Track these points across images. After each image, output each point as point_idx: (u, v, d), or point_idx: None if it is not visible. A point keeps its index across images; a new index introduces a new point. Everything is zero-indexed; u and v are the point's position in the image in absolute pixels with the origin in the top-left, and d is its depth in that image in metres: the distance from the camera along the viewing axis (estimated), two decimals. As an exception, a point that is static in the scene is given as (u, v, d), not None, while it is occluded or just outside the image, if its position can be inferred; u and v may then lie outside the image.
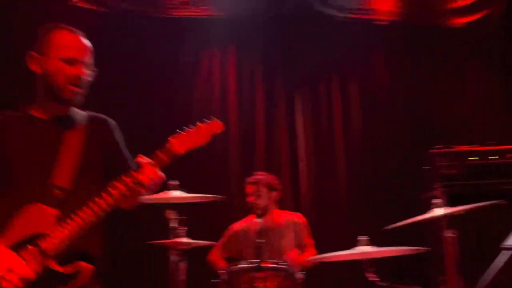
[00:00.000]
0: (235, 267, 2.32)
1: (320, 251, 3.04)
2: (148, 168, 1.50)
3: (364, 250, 2.39)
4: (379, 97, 4.41)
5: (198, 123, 1.62)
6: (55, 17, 3.18)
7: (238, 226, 3.30)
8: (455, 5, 4.48)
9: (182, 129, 1.62)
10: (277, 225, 3.25)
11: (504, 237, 2.63)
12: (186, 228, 2.61)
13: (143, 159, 1.54)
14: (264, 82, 4.33)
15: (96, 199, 1.49)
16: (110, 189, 1.50)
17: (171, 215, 2.53)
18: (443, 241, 2.91)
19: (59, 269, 1.47)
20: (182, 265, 2.59)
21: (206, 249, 3.12)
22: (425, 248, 2.55)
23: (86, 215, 1.48)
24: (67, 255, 1.49)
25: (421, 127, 4.39)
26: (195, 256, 3.04)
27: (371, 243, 2.48)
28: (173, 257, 2.53)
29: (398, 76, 4.44)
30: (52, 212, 1.50)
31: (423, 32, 4.49)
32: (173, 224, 2.51)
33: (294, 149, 4.27)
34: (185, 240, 2.58)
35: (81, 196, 1.53)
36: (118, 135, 1.76)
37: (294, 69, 4.39)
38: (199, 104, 4.19)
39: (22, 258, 1.46)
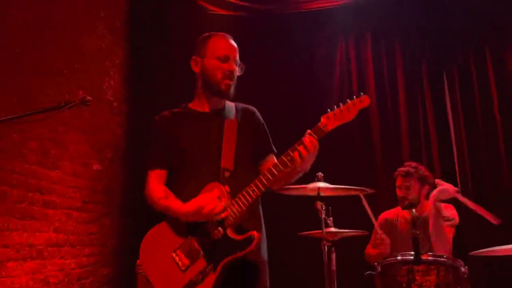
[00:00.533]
0: (392, 259, 2.22)
1: (487, 245, 2.73)
2: (306, 139, 1.69)
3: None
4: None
5: (347, 100, 1.73)
6: (201, 26, 3.56)
7: (388, 215, 3.17)
8: None
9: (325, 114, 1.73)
10: (427, 217, 3.03)
11: None
12: (332, 218, 2.60)
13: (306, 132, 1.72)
14: (404, 66, 4.07)
15: (260, 177, 1.72)
16: (279, 160, 1.71)
17: (321, 206, 2.54)
18: None
19: (236, 237, 1.70)
20: (333, 256, 2.59)
21: (353, 240, 3.06)
22: None
23: (252, 191, 1.72)
24: (239, 227, 1.72)
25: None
26: (343, 247, 3.03)
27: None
28: (325, 247, 2.53)
29: None
30: (226, 188, 1.75)
31: None
32: (322, 215, 2.52)
33: (445, 136, 3.92)
34: (334, 230, 2.57)
35: (242, 176, 1.79)
36: (263, 123, 2.00)
37: (436, 46, 4.05)
38: (338, 93, 4.13)
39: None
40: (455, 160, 3.87)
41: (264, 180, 1.70)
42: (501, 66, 3.87)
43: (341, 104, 1.73)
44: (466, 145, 3.83)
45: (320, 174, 2.62)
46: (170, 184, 1.87)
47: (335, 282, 2.59)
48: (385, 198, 3.64)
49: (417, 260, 2.10)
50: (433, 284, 2.05)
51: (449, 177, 3.80)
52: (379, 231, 2.96)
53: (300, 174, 1.85)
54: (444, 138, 3.92)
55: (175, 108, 1.99)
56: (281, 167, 1.70)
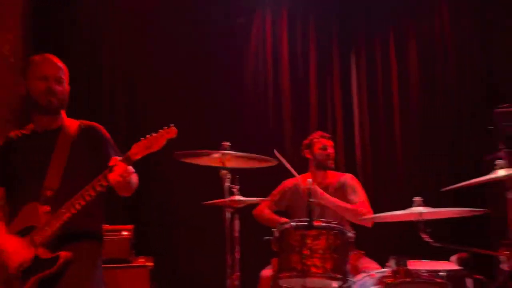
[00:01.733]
0: (287, 225, 2.37)
1: (375, 211, 3.02)
2: (117, 167, 1.86)
3: (418, 210, 2.34)
4: (438, 54, 4.17)
5: (158, 131, 1.89)
6: None
7: (290, 183, 3.34)
8: None
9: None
10: (329, 185, 3.25)
11: None
12: (238, 186, 2.68)
13: (114, 160, 1.90)
14: (317, 44, 4.22)
15: (81, 193, 1.88)
16: (90, 186, 1.88)
17: (225, 174, 2.60)
18: (506, 203, 2.80)
19: (44, 256, 1.87)
20: (236, 223, 2.68)
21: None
22: (484, 210, 2.45)
23: (70, 208, 1.88)
24: (63, 239, 1.90)
25: (486, 84, 4.15)
26: (248, 214, 3.16)
27: (427, 204, 2.43)
28: (228, 215, 2.62)
29: (461, 31, 4.16)
30: (44, 208, 1.91)
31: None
32: (227, 183, 2.58)
33: (349, 109, 4.19)
34: (238, 198, 2.66)
35: (69, 194, 1.90)
36: (106, 139, 2.14)
37: (349, 26, 4.26)
38: (252, 63, 4.19)
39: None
40: (356, 134, 4.15)
41: (76, 204, 1.87)
42: (402, 50, 4.19)
43: (152, 133, 1.88)
44: (368, 121, 4.14)
45: (226, 143, 2.66)
46: (10, 202, 2.05)
47: (238, 247, 2.69)
48: (292, 165, 3.82)
49: (309, 226, 2.25)
50: (322, 247, 2.23)
51: (350, 151, 4.11)
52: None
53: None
54: (348, 113, 4.18)
55: (22, 128, 2.15)
56: (91, 193, 1.87)
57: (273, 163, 2.71)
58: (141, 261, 3.16)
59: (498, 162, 2.51)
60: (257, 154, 2.74)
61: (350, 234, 2.37)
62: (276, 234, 2.41)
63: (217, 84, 4.11)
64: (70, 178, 1.98)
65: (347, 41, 4.25)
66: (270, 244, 2.46)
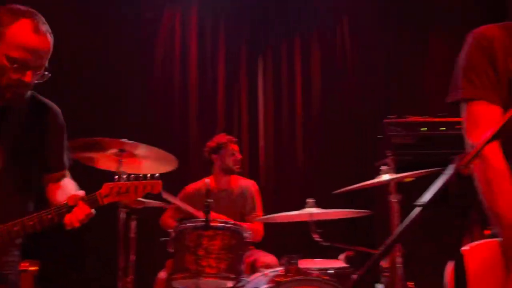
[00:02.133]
0: (183, 225, 2.36)
1: (276, 212, 3.11)
2: (78, 209, 1.51)
3: (310, 211, 2.46)
4: (340, 64, 4.44)
5: (140, 179, 1.56)
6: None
7: (191, 188, 3.32)
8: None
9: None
10: (232, 190, 3.30)
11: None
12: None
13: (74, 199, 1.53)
14: (227, 43, 4.27)
15: (23, 220, 1.51)
16: (35, 216, 1.52)
17: (123, 173, 2.51)
18: (389, 206, 3.05)
19: None
20: (132, 224, 2.60)
21: (158, 210, 3.13)
22: (368, 211, 2.65)
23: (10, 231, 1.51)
24: None
25: (382, 96, 4.48)
26: (147, 216, 3.07)
27: (318, 205, 2.57)
28: (123, 215, 2.53)
29: (360, 45, 4.46)
30: None
31: (388, 2, 4.51)
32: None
33: (255, 113, 4.28)
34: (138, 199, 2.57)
35: (13, 174, 1.56)
36: (60, 124, 1.70)
37: (259, 31, 4.35)
38: (160, 61, 4.14)
39: None
40: (260, 137, 4.25)
41: (14, 233, 1.52)
42: (307, 59, 4.39)
43: (133, 179, 1.55)
44: (272, 125, 4.27)
45: (124, 140, 2.57)
46: None
47: (133, 249, 2.61)
48: (196, 168, 3.82)
49: (206, 226, 2.26)
50: (218, 247, 2.25)
51: (254, 154, 4.21)
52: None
53: None
54: (254, 117, 4.28)
55: None
56: (36, 226, 1.53)
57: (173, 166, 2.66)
58: (24, 265, 2.91)
59: (383, 168, 2.74)
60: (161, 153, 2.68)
61: (247, 233, 2.42)
62: (173, 235, 2.38)
63: (123, 80, 3.97)
64: (17, 158, 1.58)
65: (256, 45, 4.35)
66: (166, 245, 2.42)
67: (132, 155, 2.52)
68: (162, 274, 2.85)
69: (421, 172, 2.67)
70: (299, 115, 4.31)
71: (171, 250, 2.39)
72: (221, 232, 2.29)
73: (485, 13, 4.25)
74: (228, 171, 3.29)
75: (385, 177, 2.67)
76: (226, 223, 2.39)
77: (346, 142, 4.34)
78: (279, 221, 2.87)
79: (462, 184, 0.97)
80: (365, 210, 2.65)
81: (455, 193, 0.94)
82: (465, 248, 1.23)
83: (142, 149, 2.52)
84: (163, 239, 2.44)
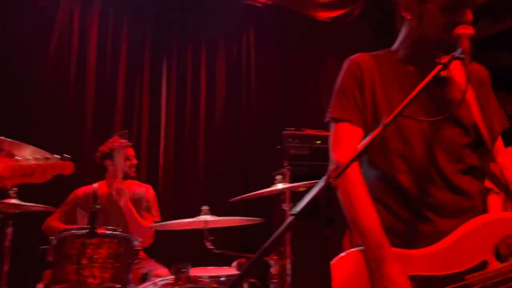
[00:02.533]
0: (66, 232, 2.20)
1: (173, 218, 3.03)
2: None
3: (204, 219, 2.45)
4: (244, 74, 4.52)
5: (49, 160, 1.41)
6: None
7: (81, 191, 3.12)
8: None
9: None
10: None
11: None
12: (17, 189, 2.38)
13: None
14: (130, 42, 4.11)
15: None
16: None
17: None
18: (283, 214, 3.15)
19: None
20: (8, 230, 2.37)
21: (40, 215, 2.89)
22: (261, 219, 2.72)
23: None
24: None
25: (282, 108, 4.64)
26: (26, 221, 2.83)
27: (216, 212, 2.57)
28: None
29: (264, 57, 4.59)
30: None
31: (292, 20, 4.70)
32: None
33: (156, 116, 4.17)
34: (14, 201, 2.35)
35: None
36: None
37: (164, 32, 4.26)
38: (56, 56, 3.83)
39: None
40: (161, 142, 4.15)
41: None
42: (212, 65, 4.39)
43: (40, 159, 1.40)
44: (174, 130, 4.18)
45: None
46: None
47: (8, 259, 2.38)
48: (90, 170, 3.59)
49: (91, 234, 2.13)
50: (103, 257, 2.13)
51: (153, 158, 4.09)
52: None
53: None
54: (155, 120, 4.17)
55: None
56: None
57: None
58: None
59: (277, 177, 2.83)
60: (51, 155, 2.47)
61: (136, 242, 2.33)
62: (54, 242, 2.21)
63: (13, 74, 3.62)
64: None
65: (161, 46, 4.25)
66: (45, 254, 2.24)
67: (10, 155, 2.29)
68: (40, 286, 2.62)
69: (314, 182, 2.80)
70: (202, 121, 4.29)
71: (51, 259, 2.21)
72: (108, 240, 2.18)
73: (375, 36, 4.65)
74: (123, 176, 3.15)
75: (280, 186, 2.76)
76: (114, 230, 2.27)
77: (246, 151, 4.41)
78: (173, 228, 2.81)
79: (330, 195, 1.03)
80: (258, 218, 2.71)
81: (324, 204, 0.99)
82: (333, 261, 1.31)
83: (24, 150, 2.30)
84: (43, 247, 2.25)
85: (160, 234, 3.22)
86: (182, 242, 3.70)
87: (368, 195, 1.34)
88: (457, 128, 1.39)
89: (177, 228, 2.83)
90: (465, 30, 1.25)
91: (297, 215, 1.01)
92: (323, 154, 3.62)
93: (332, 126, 1.44)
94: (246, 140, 4.42)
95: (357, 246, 1.36)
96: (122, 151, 3.13)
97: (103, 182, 3.13)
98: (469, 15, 1.31)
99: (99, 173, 3.23)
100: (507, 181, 1.42)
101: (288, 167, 3.67)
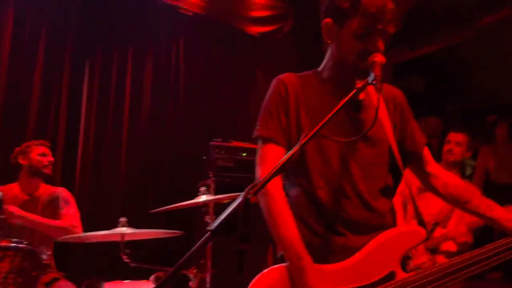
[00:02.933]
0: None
1: (89, 230, 2.87)
2: None
3: (121, 231, 2.35)
4: (171, 84, 4.44)
5: None
6: None
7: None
8: (254, 14, 4.84)
9: None
10: (39, 197, 2.96)
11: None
12: None
13: None
14: (49, 44, 3.87)
15: None
16: None
17: None
18: (205, 226, 3.12)
19: None
20: None
21: None
22: (180, 232, 2.66)
23: None
24: None
25: (210, 119, 4.61)
26: None
27: (132, 224, 2.47)
28: None
29: (193, 67, 4.55)
30: None
31: (223, 32, 4.72)
32: None
33: (75, 121, 3.95)
34: None
35: None
36: None
37: (87, 36, 4.07)
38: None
39: None
40: (80, 147, 3.94)
41: None
42: (139, 71, 4.27)
43: None
44: (94, 135, 3.99)
45: None
46: None
47: None
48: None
49: (-10, 246, 1.95)
50: (5, 271, 1.96)
51: (70, 164, 3.86)
52: None
53: None
54: (73, 125, 3.95)
55: None
56: None
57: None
58: None
59: (201, 188, 2.80)
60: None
61: (44, 255, 2.17)
62: None
63: None
64: None
65: (84, 49, 4.05)
66: None
67: None
68: None
69: (238, 195, 2.79)
70: (126, 128, 4.14)
71: None
72: (12, 254, 2.00)
73: (303, 54, 4.81)
74: (37, 174, 2.94)
75: (204, 198, 2.72)
76: (19, 242, 2.09)
77: (171, 161, 4.32)
78: (87, 241, 2.66)
79: (248, 211, 1.03)
80: (178, 231, 2.65)
81: (241, 220, 0.99)
82: (254, 280, 1.32)
83: None
84: None
85: (74, 246, 3.04)
86: (97, 255, 3.52)
87: (289, 209, 1.38)
88: (372, 149, 1.47)
89: (92, 241, 2.68)
90: (378, 59, 1.33)
91: (214, 231, 1.00)
92: (248, 166, 3.67)
93: (259, 144, 1.47)
94: (172, 150, 4.33)
95: (279, 260, 1.39)
96: (37, 147, 2.95)
97: (8, 187, 2.89)
98: (381, 44, 1.39)
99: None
100: (447, 189, 1.54)
101: (213, 178, 3.65)
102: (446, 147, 3.20)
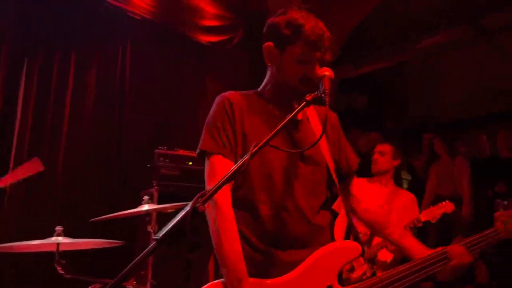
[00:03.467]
0: None
1: (19, 239, 2.68)
2: None
3: (57, 240, 2.22)
4: (117, 88, 4.31)
5: None
6: None
7: None
8: (204, 23, 4.83)
9: None
10: None
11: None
12: None
13: None
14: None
15: None
16: None
17: None
18: (148, 236, 3.03)
19: None
20: None
21: None
22: (121, 242, 2.56)
23: None
24: None
25: (157, 126, 4.51)
26: None
27: (70, 234, 2.35)
28: None
29: (141, 72, 4.45)
30: None
31: (173, 38, 4.66)
32: None
33: (10, 125, 3.70)
34: None
35: None
36: None
37: (27, 35, 3.85)
38: None
39: None
40: (12, 152, 3.70)
41: None
42: (81, 76, 4.10)
43: None
44: (28, 139, 3.75)
45: None
46: None
47: None
48: None
49: None
50: None
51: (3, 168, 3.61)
52: None
53: None
54: (7, 130, 3.69)
55: None
56: None
57: None
58: None
59: (144, 197, 2.72)
60: None
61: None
62: None
63: None
64: None
65: (21, 50, 3.81)
66: None
67: None
68: None
69: (182, 204, 2.74)
70: (65, 133, 3.94)
71: None
72: None
73: (253, 66, 4.86)
74: None
75: (146, 207, 2.65)
76: None
77: (114, 168, 4.17)
78: (20, 251, 2.49)
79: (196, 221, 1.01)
80: (118, 241, 2.54)
81: (188, 229, 0.97)
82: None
83: None
84: None
85: (5, 256, 2.83)
86: (30, 265, 3.30)
87: (235, 229, 1.39)
88: (311, 166, 1.52)
89: (24, 251, 2.51)
90: (327, 73, 1.38)
91: (160, 241, 0.97)
92: (194, 176, 3.65)
93: (206, 159, 1.47)
94: (116, 157, 4.18)
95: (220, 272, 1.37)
96: None
97: None
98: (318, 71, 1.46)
99: None
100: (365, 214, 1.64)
101: (156, 187, 3.56)
102: (372, 158, 3.37)
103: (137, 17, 4.33)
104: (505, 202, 1.64)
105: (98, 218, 2.60)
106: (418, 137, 5.68)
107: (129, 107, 4.31)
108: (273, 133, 1.22)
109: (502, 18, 4.82)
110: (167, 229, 0.97)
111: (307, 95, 1.34)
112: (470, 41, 5.27)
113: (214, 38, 4.88)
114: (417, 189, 5.53)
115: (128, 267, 0.98)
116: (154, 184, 3.57)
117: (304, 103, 1.32)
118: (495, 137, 4.89)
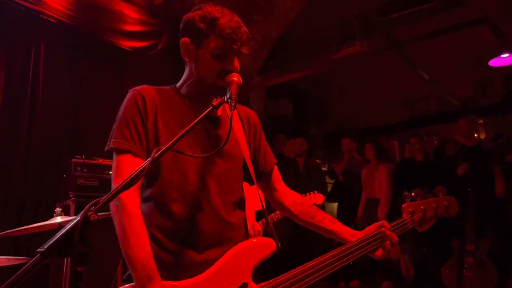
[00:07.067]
0: None
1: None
2: None
3: None
4: (27, 93, 4.03)
5: None
6: None
7: None
8: (126, 28, 4.69)
9: None
10: None
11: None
12: None
13: None
14: None
15: None
16: None
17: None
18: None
19: None
20: None
21: None
22: (28, 258, 2.38)
23: None
24: None
25: (72, 133, 4.28)
26: None
27: None
28: None
29: (53, 78, 4.20)
30: None
31: (91, 42, 4.47)
32: None
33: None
34: None
35: None
36: None
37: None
38: None
39: None
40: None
41: None
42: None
43: None
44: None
45: None
46: None
47: None
48: None
49: None
50: None
51: None
52: None
53: None
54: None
55: None
56: None
57: None
58: None
59: (56, 209, 2.56)
60: None
61: None
62: None
63: None
64: None
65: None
66: None
67: None
68: None
69: (105, 215, 2.61)
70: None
71: None
72: None
73: (177, 71, 4.77)
74: None
75: (59, 219, 2.49)
76: None
77: (22, 179, 3.88)
78: None
79: (87, 230, 0.95)
80: (26, 257, 2.36)
81: (78, 240, 0.91)
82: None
83: None
84: None
85: None
86: None
87: (144, 227, 1.32)
88: (228, 163, 1.49)
89: None
90: (235, 78, 1.38)
91: (44, 253, 0.90)
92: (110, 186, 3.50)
93: (114, 156, 1.39)
94: (24, 167, 3.89)
95: (124, 281, 1.31)
96: None
97: None
98: (237, 64, 1.46)
99: None
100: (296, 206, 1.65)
101: (73, 198, 3.37)
102: None
103: (51, 20, 4.10)
104: (413, 194, 1.73)
105: (3, 233, 2.40)
106: (339, 142, 5.93)
107: (42, 112, 4.05)
108: (177, 137, 1.18)
109: (413, 30, 5.19)
110: (52, 241, 0.90)
111: (214, 100, 1.33)
112: (385, 53, 5.61)
113: (137, 44, 4.75)
114: (340, 192, 5.79)
115: (7, 282, 0.90)
116: (71, 196, 3.38)
117: (210, 108, 1.30)
118: (406, 143, 5.27)
